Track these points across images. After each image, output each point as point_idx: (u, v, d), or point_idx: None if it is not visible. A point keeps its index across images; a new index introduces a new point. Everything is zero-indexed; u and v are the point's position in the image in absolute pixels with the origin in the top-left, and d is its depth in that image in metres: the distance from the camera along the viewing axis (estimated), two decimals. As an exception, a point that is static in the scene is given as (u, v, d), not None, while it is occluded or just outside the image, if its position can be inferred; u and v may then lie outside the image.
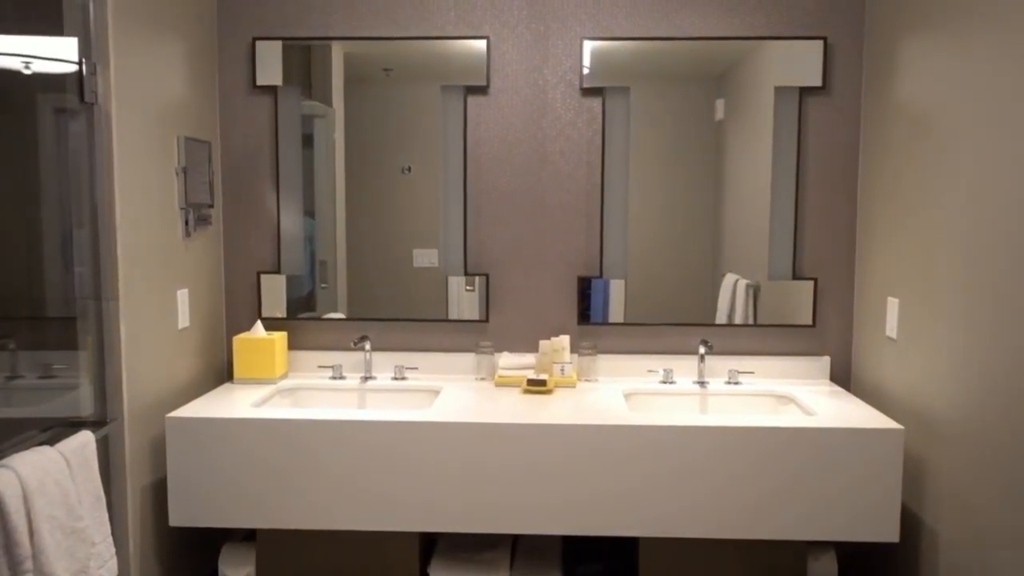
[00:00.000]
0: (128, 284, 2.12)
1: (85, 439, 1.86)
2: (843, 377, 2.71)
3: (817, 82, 2.60)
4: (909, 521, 2.26)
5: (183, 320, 2.45)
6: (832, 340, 2.70)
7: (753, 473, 2.14)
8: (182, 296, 2.44)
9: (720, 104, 2.65)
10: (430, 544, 2.55)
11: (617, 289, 2.71)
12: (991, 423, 1.87)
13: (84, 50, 1.99)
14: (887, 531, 2.15)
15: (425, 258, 2.76)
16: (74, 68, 1.96)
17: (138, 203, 2.18)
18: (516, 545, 2.58)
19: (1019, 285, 1.76)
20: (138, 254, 2.18)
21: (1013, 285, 1.78)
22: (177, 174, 2.40)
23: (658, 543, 2.34)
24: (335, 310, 2.77)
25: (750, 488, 2.14)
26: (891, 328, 2.39)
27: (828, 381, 2.68)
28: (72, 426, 1.94)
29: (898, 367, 2.35)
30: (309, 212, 2.75)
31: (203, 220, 2.58)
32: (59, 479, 1.71)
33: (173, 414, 2.23)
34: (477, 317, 2.74)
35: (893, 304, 2.38)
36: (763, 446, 2.14)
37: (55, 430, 1.90)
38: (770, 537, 2.16)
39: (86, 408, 2.06)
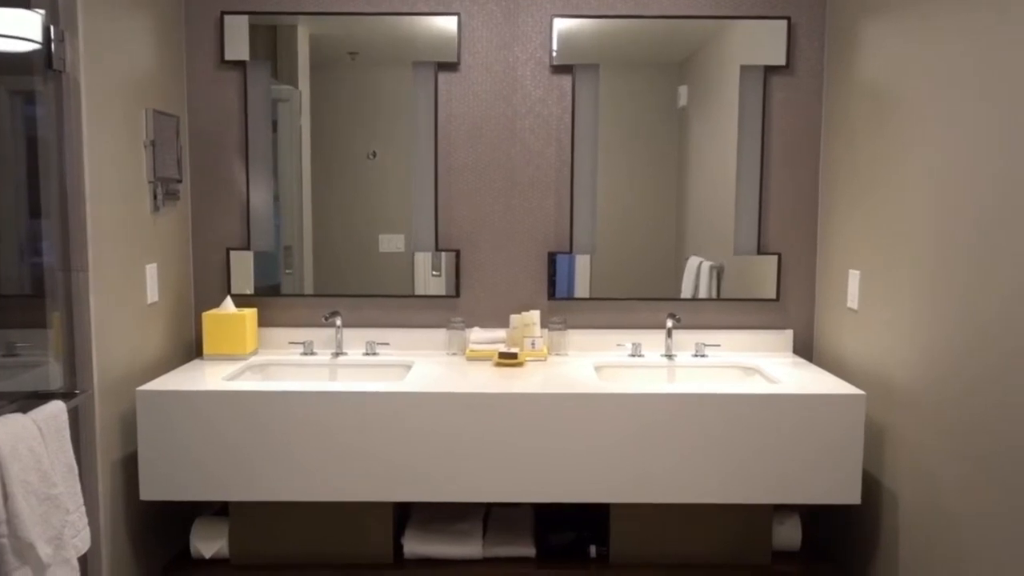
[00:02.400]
0: (97, 256, 2.10)
1: (56, 409, 1.84)
2: (806, 349, 2.78)
3: (781, 61, 2.66)
4: (870, 484, 2.33)
5: (152, 295, 2.43)
6: (795, 313, 2.77)
7: (720, 440, 2.19)
8: (151, 271, 2.42)
9: (683, 91, 2.70)
10: (403, 516, 2.56)
11: (583, 265, 2.75)
12: (948, 388, 1.95)
13: (52, 17, 1.96)
14: (849, 494, 2.22)
15: (392, 243, 2.77)
16: (39, 46, 1.93)
17: (107, 174, 2.15)
18: (488, 516, 2.60)
19: (975, 256, 1.83)
20: (107, 226, 2.15)
21: (969, 256, 1.85)
22: (145, 147, 2.38)
23: (628, 509, 2.38)
24: (301, 296, 2.77)
25: (717, 454, 2.20)
26: (852, 299, 2.47)
27: (791, 353, 2.76)
28: (41, 398, 1.92)
29: (858, 337, 2.43)
30: (274, 197, 2.74)
31: (171, 195, 2.55)
32: (32, 446, 1.69)
33: (144, 387, 2.21)
34: (447, 293, 2.75)
35: (854, 276, 2.45)
36: (729, 413, 2.19)
37: (24, 402, 1.87)
38: (737, 501, 2.22)
39: (55, 381, 2.04)
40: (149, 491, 2.21)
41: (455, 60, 2.67)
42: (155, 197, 2.44)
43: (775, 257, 2.74)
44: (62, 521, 1.75)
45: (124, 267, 2.26)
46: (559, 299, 2.76)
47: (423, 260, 2.75)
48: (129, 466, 2.29)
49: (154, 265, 2.44)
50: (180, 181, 2.61)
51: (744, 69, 2.67)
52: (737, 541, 2.40)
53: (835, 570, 2.42)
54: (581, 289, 2.76)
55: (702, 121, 2.70)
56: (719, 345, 2.74)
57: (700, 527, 2.39)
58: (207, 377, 2.36)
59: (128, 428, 2.28)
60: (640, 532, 2.39)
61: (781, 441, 2.19)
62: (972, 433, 1.84)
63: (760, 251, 2.75)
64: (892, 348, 2.23)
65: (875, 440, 2.32)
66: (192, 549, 2.40)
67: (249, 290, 2.75)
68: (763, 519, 2.40)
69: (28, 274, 2.04)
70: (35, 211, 2.01)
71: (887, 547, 2.25)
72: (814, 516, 2.70)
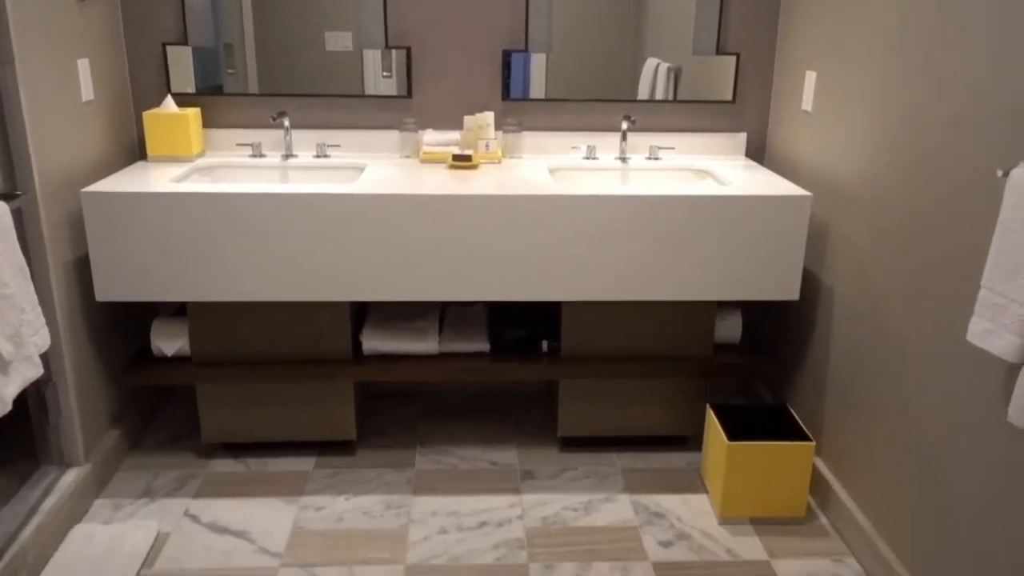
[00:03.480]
0: (22, 49, 1.97)
1: (-1, 209, 1.80)
2: (758, 153, 2.80)
3: None
4: (809, 281, 2.45)
5: (87, 92, 2.31)
6: (750, 116, 2.77)
7: (669, 240, 2.25)
8: (83, 66, 2.28)
9: None
10: (361, 314, 2.63)
11: (539, 64, 2.67)
12: (889, 187, 2.00)
13: None
14: (789, 290, 2.32)
15: (338, 41, 2.63)
16: None
17: (22, -44, 1.97)
18: (444, 315, 2.69)
19: (929, 62, 1.82)
20: (29, 16, 2.00)
21: (923, 60, 1.84)
22: (62, -74, 2.17)
23: (579, 307, 2.47)
24: (246, 96, 2.66)
25: (667, 254, 2.26)
26: (807, 102, 2.46)
27: (744, 156, 2.78)
28: (-19, 199, 1.87)
29: (811, 139, 2.45)
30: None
31: (97, -18, 2.37)
32: (-22, 246, 1.66)
33: (88, 189, 2.16)
34: (399, 93, 2.67)
35: (811, 77, 2.43)
36: (679, 215, 2.23)
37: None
38: (683, 299, 2.31)
39: (-7, 182, 1.98)
40: (104, 292, 2.22)
41: None
42: (79, -16, 2.26)
43: (733, 58, 2.69)
44: (19, 319, 1.76)
45: (53, 62, 2.13)
46: (514, 100, 2.71)
47: (372, 58, 2.64)
48: (82, 268, 2.28)
49: (86, 60, 2.30)
50: (105, -33, 2.41)
51: None
52: (681, 335, 2.52)
53: (771, 360, 2.58)
54: (536, 89, 2.69)
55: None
56: (673, 148, 2.74)
57: (647, 322, 2.50)
58: (153, 179, 2.30)
59: (77, 230, 2.25)
60: (590, 328, 2.50)
61: (728, 241, 2.26)
62: (908, 228, 1.92)
63: (719, 51, 2.69)
64: (841, 150, 2.25)
65: (818, 239, 2.40)
66: (153, 347, 2.45)
67: (191, 89, 2.63)
68: (707, 315, 2.51)
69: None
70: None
71: (820, 339, 2.40)
72: (755, 312, 2.84)
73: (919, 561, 1.87)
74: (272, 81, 2.64)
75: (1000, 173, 1.46)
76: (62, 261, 2.17)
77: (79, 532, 2.16)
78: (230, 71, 2.64)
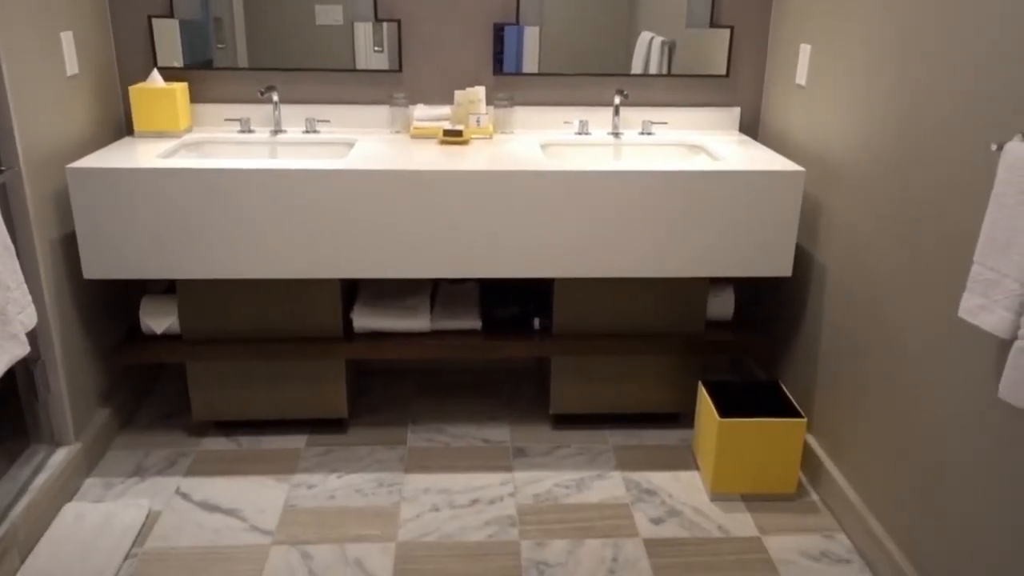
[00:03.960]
0: (4, 21, 1.93)
1: (-18, 185, 1.77)
2: (752, 128, 2.78)
3: None
4: (802, 258, 2.43)
5: (71, 66, 2.27)
6: (744, 90, 2.74)
7: (662, 216, 2.23)
8: (66, 39, 2.24)
9: None
10: (352, 292, 2.62)
11: (531, 37, 2.64)
12: (884, 162, 1.98)
13: None
14: (781, 267, 2.31)
15: (329, 15, 2.59)
16: None
17: (2, -74, 1.93)
18: (435, 292, 2.67)
19: (925, 33, 1.79)
20: (10, -13, 1.97)
21: (920, 33, 1.81)
22: None
23: (571, 284, 2.46)
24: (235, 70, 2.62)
25: (659, 230, 2.24)
26: (801, 75, 2.43)
27: (737, 131, 2.76)
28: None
29: (804, 114, 2.43)
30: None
31: (80, -46, 2.32)
32: (-40, 223, 1.64)
33: (74, 164, 2.13)
34: (389, 67, 2.64)
35: (805, 50, 2.40)
36: (672, 191, 2.21)
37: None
38: (675, 275, 2.30)
39: (-24, 158, 1.95)
40: (91, 269, 2.19)
41: None
42: (61, -45, 2.22)
43: (727, 31, 2.65)
44: (4, 298, 1.74)
45: (36, 34, 2.09)
46: (506, 74, 2.67)
47: (363, 32, 2.60)
48: (69, 245, 2.25)
49: (70, 33, 2.26)
50: (88, -62, 2.36)
51: None
52: (674, 312, 2.52)
53: (763, 337, 2.58)
54: (529, 64, 2.66)
55: None
56: (666, 123, 2.72)
57: (639, 299, 2.49)
58: (140, 155, 2.28)
59: (63, 207, 2.22)
60: (582, 305, 2.49)
61: (721, 217, 2.24)
62: (901, 205, 1.90)
63: (713, 24, 2.65)
64: (835, 124, 2.23)
65: (811, 215, 2.39)
66: (143, 326, 2.43)
67: (178, 63, 2.59)
68: (699, 291, 2.50)
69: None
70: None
71: (812, 316, 2.39)
72: (747, 288, 2.83)
73: (909, 537, 1.88)
74: (262, 55, 2.60)
75: (994, 147, 1.45)
76: (48, 238, 2.15)
77: (70, 510, 2.15)
78: (220, 45, 2.60)
